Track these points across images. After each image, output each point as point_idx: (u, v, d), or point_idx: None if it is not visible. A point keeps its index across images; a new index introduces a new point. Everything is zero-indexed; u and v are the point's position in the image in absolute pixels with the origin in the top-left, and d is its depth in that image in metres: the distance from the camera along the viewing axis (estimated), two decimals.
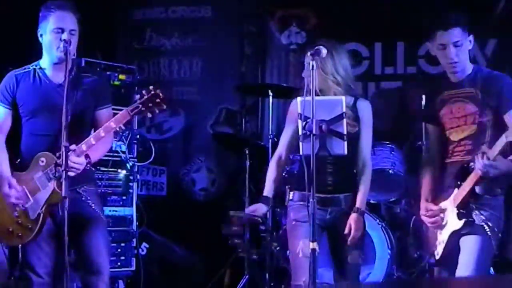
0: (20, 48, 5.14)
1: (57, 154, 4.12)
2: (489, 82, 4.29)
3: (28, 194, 4.20)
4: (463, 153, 4.30)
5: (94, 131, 4.24)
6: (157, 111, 4.15)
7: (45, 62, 4.32)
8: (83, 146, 4.10)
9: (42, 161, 4.20)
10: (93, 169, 4.44)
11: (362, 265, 4.39)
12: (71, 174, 4.02)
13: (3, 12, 6.28)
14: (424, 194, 4.45)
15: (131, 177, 6.09)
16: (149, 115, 4.21)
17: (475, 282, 4.00)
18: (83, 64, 5.73)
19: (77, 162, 4.08)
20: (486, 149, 4.06)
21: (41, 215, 4.18)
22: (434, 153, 4.52)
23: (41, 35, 4.27)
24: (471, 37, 4.31)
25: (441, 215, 4.31)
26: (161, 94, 4.11)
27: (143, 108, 4.11)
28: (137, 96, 4.14)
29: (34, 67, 4.33)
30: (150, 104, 4.10)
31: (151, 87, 4.13)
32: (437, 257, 4.34)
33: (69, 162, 3.99)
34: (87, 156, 4.16)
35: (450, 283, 4.22)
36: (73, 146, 4.04)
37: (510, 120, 4.17)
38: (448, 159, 4.38)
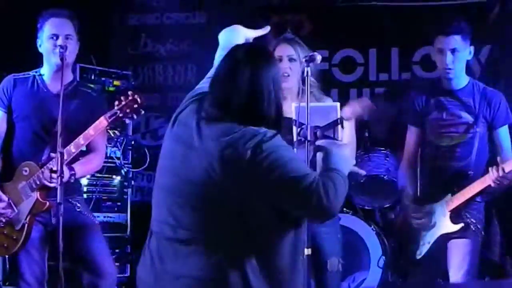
0: (19, 56, 5.13)
1: (40, 162, 4.11)
2: (487, 96, 4.41)
3: (13, 205, 4.18)
4: (451, 159, 4.41)
5: (90, 148, 4.23)
6: (135, 117, 4.13)
7: (45, 70, 4.31)
8: (64, 155, 4.01)
9: (26, 171, 4.18)
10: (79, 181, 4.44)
11: (358, 271, 4.39)
12: (51, 185, 4.00)
13: (3, 18, 6.29)
14: (409, 196, 4.53)
15: (125, 183, 6.09)
16: (127, 121, 4.20)
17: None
18: (77, 69, 5.74)
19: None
20: (501, 162, 4.22)
21: (26, 225, 4.16)
22: (414, 155, 4.61)
23: (39, 45, 4.27)
24: (471, 48, 4.35)
25: (429, 216, 4.41)
26: (139, 100, 4.08)
27: (120, 114, 4.08)
28: (116, 102, 4.11)
29: (34, 73, 4.32)
30: (128, 110, 4.08)
31: (129, 92, 4.12)
32: (418, 257, 4.41)
33: (46, 173, 3.99)
34: (71, 169, 4.13)
35: None
36: (52, 155, 4.02)
37: (502, 136, 4.41)
38: (432, 163, 4.48)
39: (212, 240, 2.76)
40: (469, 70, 4.56)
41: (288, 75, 4.01)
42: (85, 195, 4.80)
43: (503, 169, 4.16)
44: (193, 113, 2.87)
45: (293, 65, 4.04)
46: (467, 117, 4.38)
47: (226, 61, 2.90)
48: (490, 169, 4.23)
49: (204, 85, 3.04)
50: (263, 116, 2.82)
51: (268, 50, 3.08)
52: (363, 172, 3.30)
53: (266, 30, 3.37)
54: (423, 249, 4.42)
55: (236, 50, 2.91)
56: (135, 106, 4.07)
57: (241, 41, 3.16)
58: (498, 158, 4.28)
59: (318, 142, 3.10)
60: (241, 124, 2.77)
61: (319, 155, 2.99)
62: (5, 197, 4.17)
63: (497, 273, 5.48)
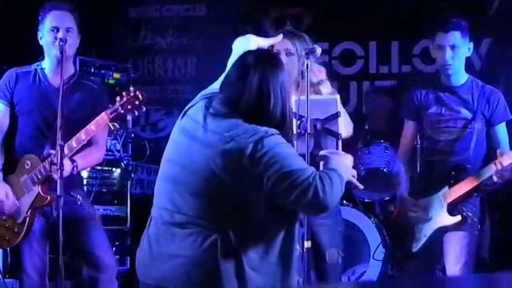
0: (21, 49, 5.14)
1: (41, 157, 4.12)
2: (486, 93, 4.45)
3: (14, 198, 4.20)
4: (449, 153, 4.44)
5: (91, 140, 4.23)
6: (136, 113, 4.14)
7: (46, 64, 4.31)
8: (65, 149, 4.03)
9: (28, 164, 4.19)
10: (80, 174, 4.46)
11: (357, 264, 4.38)
12: (54, 175, 4.00)
13: (4, 11, 6.30)
14: (406, 189, 4.57)
15: (125, 176, 6.09)
16: (129, 117, 4.19)
17: (469, 281, 4.05)
18: (77, 62, 5.74)
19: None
20: (499, 156, 4.27)
21: (27, 218, 4.17)
22: (410, 149, 4.67)
23: (40, 38, 4.27)
24: (470, 44, 4.38)
25: (425, 209, 4.44)
26: (140, 96, 4.08)
27: (122, 111, 4.08)
28: (118, 98, 4.10)
29: (36, 67, 4.32)
30: (129, 106, 4.08)
31: (131, 89, 4.11)
32: (414, 250, 4.43)
33: (48, 166, 4.00)
34: (73, 161, 4.14)
35: (445, 281, 4.27)
36: (52, 151, 4.02)
37: (500, 132, 4.46)
38: (429, 157, 4.52)
39: (208, 226, 2.90)
40: (469, 64, 4.57)
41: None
42: (84, 188, 4.79)
43: (500, 163, 4.22)
44: (201, 109, 3.02)
45: (290, 59, 4.04)
46: (466, 113, 4.43)
47: (237, 64, 3.06)
48: (492, 164, 4.28)
49: (216, 85, 3.18)
50: (268, 117, 2.96)
51: (277, 56, 3.24)
52: (361, 186, 3.38)
53: (278, 38, 3.51)
54: (420, 242, 4.44)
55: (247, 55, 3.08)
56: (137, 102, 4.08)
57: (253, 48, 3.26)
58: (498, 152, 4.31)
59: (321, 152, 3.23)
60: (246, 122, 2.91)
61: (321, 164, 3.12)
62: (11, 194, 4.18)
63: (485, 269, 5.48)
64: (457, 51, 4.35)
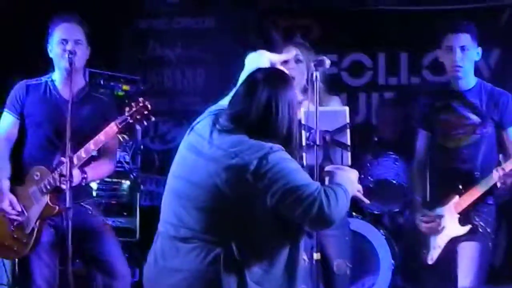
0: (32, 61, 5.17)
1: (51, 167, 4.13)
2: (494, 96, 4.38)
3: (24, 209, 4.21)
4: (460, 161, 4.38)
5: (102, 152, 4.24)
6: (145, 123, 4.15)
7: (56, 76, 4.33)
8: (74, 159, 4.05)
9: (37, 175, 4.20)
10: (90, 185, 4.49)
11: (367, 276, 4.34)
12: (63, 186, 4.01)
13: (15, 24, 6.33)
14: (419, 200, 4.50)
15: (134, 188, 6.09)
16: (138, 127, 4.21)
17: None
18: (87, 74, 5.76)
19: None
20: (502, 161, 4.23)
21: (35, 229, 4.18)
22: (424, 158, 4.58)
23: (50, 50, 4.29)
24: (479, 49, 4.35)
25: (437, 220, 4.36)
26: (149, 106, 4.10)
27: (131, 121, 4.09)
28: (127, 108, 4.11)
29: (47, 79, 4.34)
30: (138, 116, 4.08)
31: (140, 99, 4.13)
32: (430, 262, 4.38)
33: (57, 178, 4.01)
34: (83, 172, 4.15)
35: None
36: (62, 159, 4.03)
37: (510, 136, 4.35)
38: (442, 165, 4.45)
39: (211, 240, 2.93)
40: (478, 74, 4.55)
41: (294, 77, 4.04)
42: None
43: (503, 169, 4.15)
44: (208, 125, 3.06)
45: (299, 66, 4.13)
46: (475, 118, 4.36)
47: (246, 82, 3.09)
48: (494, 170, 4.21)
49: (224, 102, 3.21)
50: (274, 134, 2.99)
51: (287, 75, 3.23)
52: (367, 201, 3.39)
53: (291, 54, 3.52)
54: (435, 253, 4.38)
55: (256, 72, 3.11)
56: (146, 112, 4.09)
57: (266, 64, 3.30)
58: (500, 157, 4.26)
59: (326, 168, 3.25)
60: (252, 138, 2.94)
61: (327, 179, 3.15)
62: (18, 205, 4.19)
63: (496, 279, 5.43)
64: (467, 53, 4.31)
